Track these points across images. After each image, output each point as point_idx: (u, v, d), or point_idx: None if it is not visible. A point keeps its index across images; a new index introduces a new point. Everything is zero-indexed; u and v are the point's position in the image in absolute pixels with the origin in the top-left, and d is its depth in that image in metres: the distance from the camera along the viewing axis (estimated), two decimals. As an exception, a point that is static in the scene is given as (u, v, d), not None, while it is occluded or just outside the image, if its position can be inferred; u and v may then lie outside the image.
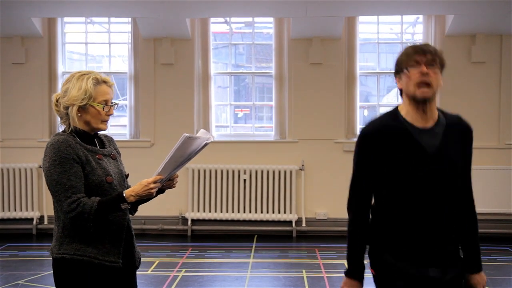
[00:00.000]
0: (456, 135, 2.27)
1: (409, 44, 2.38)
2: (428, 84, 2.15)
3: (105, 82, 2.51)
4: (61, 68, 7.54)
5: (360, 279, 2.35)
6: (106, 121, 2.54)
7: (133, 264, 2.62)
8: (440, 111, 2.30)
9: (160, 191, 2.57)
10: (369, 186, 2.30)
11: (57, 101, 2.51)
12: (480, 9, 6.74)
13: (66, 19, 7.64)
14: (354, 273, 2.35)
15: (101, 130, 2.56)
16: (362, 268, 2.36)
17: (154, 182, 2.42)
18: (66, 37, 7.72)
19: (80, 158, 2.41)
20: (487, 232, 6.98)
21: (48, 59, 7.50)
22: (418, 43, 2.38)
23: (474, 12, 6.81)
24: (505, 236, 7.08)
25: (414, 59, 2.17)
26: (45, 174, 2.44)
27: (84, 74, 2.49)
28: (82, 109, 2.47)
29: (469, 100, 7.08)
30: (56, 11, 7.15)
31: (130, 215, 2.62)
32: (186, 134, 2.39)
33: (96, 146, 2.56)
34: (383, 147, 2.22)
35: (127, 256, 2.57)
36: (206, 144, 2.49)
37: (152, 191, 2.42)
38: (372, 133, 2.25)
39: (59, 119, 2.57)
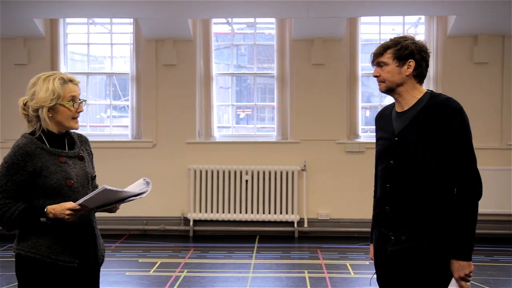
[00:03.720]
0: (428, 119, 2.43)
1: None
2: (382, 81, 2.56)
3: (71, 81, 2.56)
4: (63, 69, 7.54)
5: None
6: (76, 118, 2.57)
7: (96, 262, 2.64)
8: (431, 95, 2.51)
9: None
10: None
11: (24, 105, 2.53)
12: (482, 9, 6.73)
13: (68, 20, 7.66)
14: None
15: (72, 128, 2.59)
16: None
17: (73, 210, 2.40)
18: (68, 38, 7.73)
19: (34, 166, 2.44)
20: (489, 233, 6.99)
21: (50, 60, 7.51)
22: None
23: (476, 13, 6.81)
24: (506, 237, 7.07)
25: (373, 64, 2.60)
26: None
27: (50, 76, 2.52)
28: (52, 109, 2.50)
29: (471, 100, 7.04)
30: (58, 12, 7.16)
31: (104, 213, 2.63)
32: (106, 187, 2.36)
33: (65, 147, 2.57)
34: (378, 127, 2.71)
35: (89, 254, 2.58)
36: (141, 194, 2.53)
37: (66, 217, 2.40)
38: (377, 115, 2.77)
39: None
